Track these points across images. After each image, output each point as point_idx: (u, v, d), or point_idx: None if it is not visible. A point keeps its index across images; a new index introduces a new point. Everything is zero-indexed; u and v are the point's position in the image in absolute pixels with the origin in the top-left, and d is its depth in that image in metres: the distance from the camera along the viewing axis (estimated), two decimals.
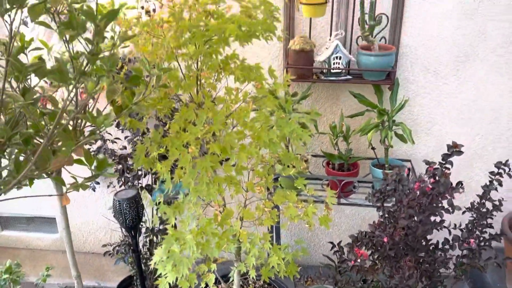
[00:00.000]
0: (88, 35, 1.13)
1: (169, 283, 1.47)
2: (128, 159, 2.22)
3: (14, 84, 1.20)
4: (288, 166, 1.60)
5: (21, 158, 1.21)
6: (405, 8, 1.94)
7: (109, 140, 2.27)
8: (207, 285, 1.63)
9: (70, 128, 1.36)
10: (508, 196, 2.23)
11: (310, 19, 1.98)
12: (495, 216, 1.67)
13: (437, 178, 1.30)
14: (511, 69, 2.01)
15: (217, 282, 1.82)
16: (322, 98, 2.17)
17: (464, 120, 2.13)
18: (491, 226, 1.63)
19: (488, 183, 1.50)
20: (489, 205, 1.60)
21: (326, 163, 2.13)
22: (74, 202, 2.59)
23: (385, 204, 1.53)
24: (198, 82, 1.49)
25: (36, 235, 2.76)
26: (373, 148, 2.06)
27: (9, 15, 0.91)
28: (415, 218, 1.36)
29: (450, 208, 1.34)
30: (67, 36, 1.13)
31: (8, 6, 0.87)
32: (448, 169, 1.37)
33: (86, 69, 0.99)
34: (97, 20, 0.94)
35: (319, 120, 2.22)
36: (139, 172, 2.21)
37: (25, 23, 1.79)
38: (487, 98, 2.07)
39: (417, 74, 2.07)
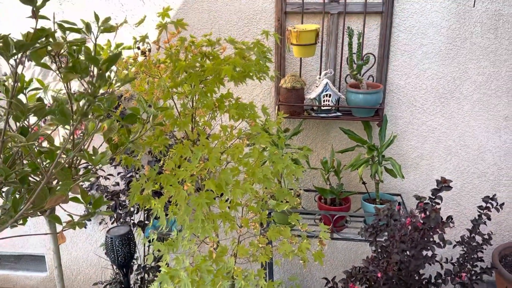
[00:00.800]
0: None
1: None
2: (121, 195, 2.23)
3: (12, 122, 1.22)
4: (282, 202, 1.63)
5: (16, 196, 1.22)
6: (391, 48, 2.03)
7: (102, 176, 2.27)
8: None
9: (66, 166, 1.38)
10: (496, 229, 2.27)
11: (301, 58, 2.05)
12: (485, 249, 1.70)
13: (427, 213, 1.33)
14: (493, 106, 2.09)
15: None
16: (313, 134, 2.22)
17: (451, 154, 2.19)
18: (481, 260, 1.66)
19: (477, 217, 1.54)
20: (478, 238, 1.63)
21: (318, 198, 2.16)
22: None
23: (377, 239, 1.55)
24: (193, 120, 1.52)
25: (24, 274, 2.70)
26: (364, 183, 2.09)
27: (15, 60, 0.95)
28: (408, 252, 1.38)
29: (441, 243, 1.37)
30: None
31: (14, 51, 0.91)
32: (438, 204, 1.41)
33: (86, 110, 1.02)
34: (99, 64, 0.98)
35: (310, 155, 2.26)
36: (132, 209, 2.20)
37: (22, 62, 1.83)
38: (472, 133, 2.14)
39: (404, 110, 2.14)
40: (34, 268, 2.70)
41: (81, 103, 1.03)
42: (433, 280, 1.60)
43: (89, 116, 1.21)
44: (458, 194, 2.26)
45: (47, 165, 1.27)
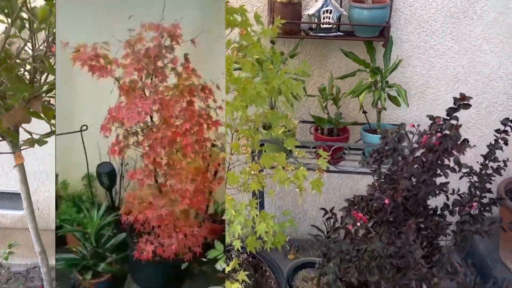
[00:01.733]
0: None
1: None
2: None
3: None
4: (276, 127, 1.46)
5: None
6: None
7: None
8: None
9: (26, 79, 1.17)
10: (501, 164, 2.14)
11: None
12: (494, 180, 1.57)
13: (445, 132, 1.17)
14: (509, 27, 1.89)
15: None
16: (310, 59, 2.02)
17: (459, 82, 2.02)
18: (490, 191, 1.53)
19: (493, 142, 1.38)
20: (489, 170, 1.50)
21: (315, 129, 1.99)
22: (41, 174, 2.38)
23: (381, 168, 1.40)
24: None
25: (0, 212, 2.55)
26: (364, 112, 1.92)
27: None
28: (418, 178, 1.24)
29: (456, 167, 1.22)
30: None
31: None
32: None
33: None
34: None
35: (307, 83, 2.07)
36: None
37: None
38: (484, 58, 1.96)
39: (411, 32, 1.93)
40: (10, 206, 2.54)
41: None
42: (439, 212, 1.47)
43: None
44: (463, 126, 2.10)
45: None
